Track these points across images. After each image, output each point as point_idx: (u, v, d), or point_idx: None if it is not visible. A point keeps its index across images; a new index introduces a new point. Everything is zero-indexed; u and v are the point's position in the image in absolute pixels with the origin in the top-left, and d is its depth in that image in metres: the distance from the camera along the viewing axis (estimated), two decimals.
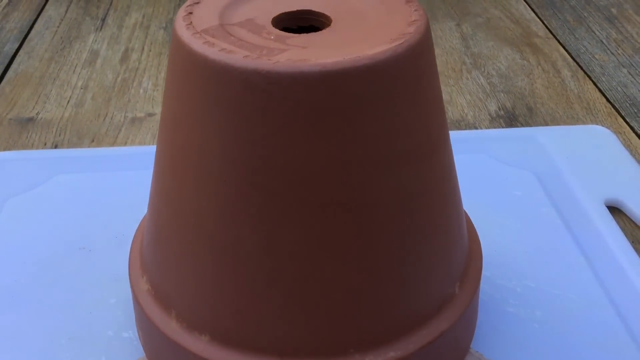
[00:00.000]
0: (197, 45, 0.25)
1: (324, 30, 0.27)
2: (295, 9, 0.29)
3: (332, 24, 0.28)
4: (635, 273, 0.38)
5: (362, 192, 0.26)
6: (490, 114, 0.54)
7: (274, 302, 0.27)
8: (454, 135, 0.51)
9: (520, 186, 0.45)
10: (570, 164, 0.47)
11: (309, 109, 0.24)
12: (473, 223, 0.36)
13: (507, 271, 0.39)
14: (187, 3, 0.29)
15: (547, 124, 0.53)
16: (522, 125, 0.53)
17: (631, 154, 0.49)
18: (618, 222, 0.43)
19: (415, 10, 0.28)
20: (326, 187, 0.25)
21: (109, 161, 0.48)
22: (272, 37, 0.27)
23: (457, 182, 0.31)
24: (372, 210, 0.26)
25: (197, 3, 0.29)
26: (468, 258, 0.33)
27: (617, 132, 0.52)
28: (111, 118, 0.54)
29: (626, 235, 0.42)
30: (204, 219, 0.27)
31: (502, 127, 0.53)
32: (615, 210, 0.44)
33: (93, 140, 0.51)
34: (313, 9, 0.29)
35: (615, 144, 0.49)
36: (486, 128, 0.53)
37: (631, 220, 0.43)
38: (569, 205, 0.44)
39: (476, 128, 0.53)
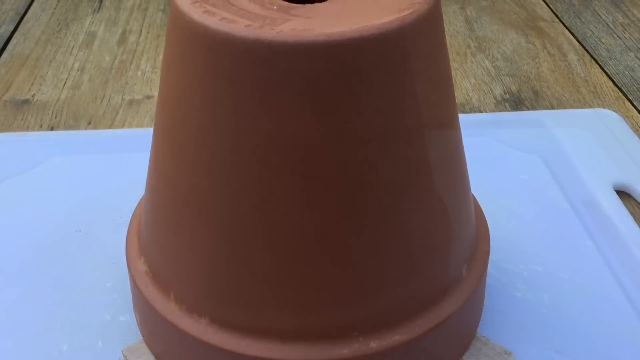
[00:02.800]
0: (197, 14, 0.24)
1: (327, 1, 0.26)
2: None
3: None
4: None
5: (368, 169, 0.25)
6: (495, 98, 0.53)
7: (276, 285, 0.26)
8: (460, 118, 0.49)
9: (527, 170, 0.44)
10: (578, 147, 0.46)
11: (314, 80, 0.23)
12: (480, 205, 0.35)
13: (514, 255, 0.38)
14: None
15: (553, 108, 0.52)
16: (528, 109, 0.52)
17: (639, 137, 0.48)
18: (627, 207, 0.42)
19: None
20: (331, 162, 0.24)
21: (105, 143, 0.47)
22: (275, 7, 0.26)
23: (465, 162, 0.30)
24: (378, 188, 0.25)
25: None
26: (475, 240, 0.32)
27: (625, 116, 0.51)
28: (108, 100, 0.53)
29: (635, 220, 0.41)
30: (203, 198, 0.26)
31: (507, 110, 0.51)
32: (624, 194, 0.43)
33: (90, 123, 0.50)
34: None
35: (624, 128, 0.48)
36: (492, 111, 0.51)
37: None
38: (577, 189, 0.43)
39: (481, 112, 0.52)
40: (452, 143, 0.27)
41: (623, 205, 0.41)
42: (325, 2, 0.26)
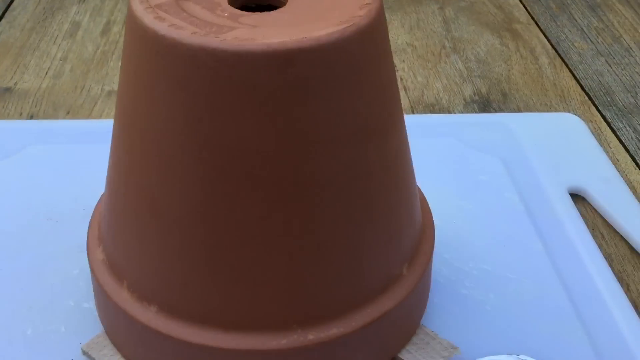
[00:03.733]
0: (148, 19, 0.26)
1: (277, 10, 0.28)
2: None
3: (287, 3, 0.28)
4: (591, 261, 0.39)
5: (306, 171, 0.26)
6: (464, 99, 0.55)
7: (217, 276, 0.28)
8: (426, 119, 0.51)
9: (486, 171, 0.46)
10: (538, 150, 0.48)
11: (253, 87, 0.25)
12: (437, 205, 0.37)
13: (465, 254, 0.39)
14: None
15: (519, 111, 0.53)
16: (495, 111, 0.53)
17: (600, 143, 0.49)
18: (581, 210, 0.44)
19: None
20: (270, 164, 0.26)
21: (82, 134, 0.48)
22: (226, 14, 0.27)
23: (411, 165, 0.32)
24: (316, 189, 0.27)
25: None
26: (419, 240, 0.33)
27: (589, 121, 0.52)
28: (88, 91, 0.54)
29: (587, 224, 0.42)
30: (152, 193, 0.27)
31: (475, 111, 0.53)
32: (579, 198, 0.45)
33: (69, 112, 0.52)
34: None
35: (585, 133, 0.50)
36: (460, 112, 0.53)
37: (594, 208, 0.44)
38: (533, 191, 0.44)
39: (449, 112, 0.53)
40: (393, 147, 0.29)
41: (575, 209, 0.43)
42: (274, 11, 0.27)
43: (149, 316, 0.29)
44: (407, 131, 0.41)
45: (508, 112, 0.53)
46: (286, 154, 0.26)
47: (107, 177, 0.31)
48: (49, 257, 0.38)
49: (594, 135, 0.50)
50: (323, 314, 0.29)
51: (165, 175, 0.27)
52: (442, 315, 0.36)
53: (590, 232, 0.41)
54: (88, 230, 0.34)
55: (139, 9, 0.26)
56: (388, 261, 0.30)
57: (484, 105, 0.54)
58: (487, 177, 0.45)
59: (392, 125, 0.29)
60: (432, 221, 0.35)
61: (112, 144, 0.30)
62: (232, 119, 0.25)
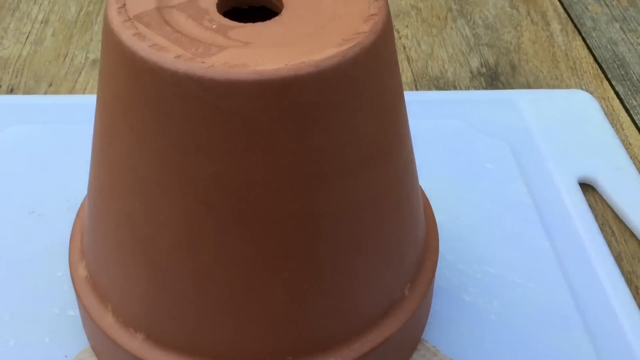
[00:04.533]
0: (127, 36, 0.23)
1: (271, 21, 0.25)
2: None
3: (283, 11, 0.25)
4: (601, 264, 0.37)
5: (300, 205, 0.24)
6: (471, 71, 0.52)
7: (206, 308, 0.26)
8: (430, 96, 0.48)
9: (493, 158, 0.43)
10: (548, 134, 0.45)
11: (244, 118, 0.22)
12: (440, 198, 0.35)
13: (469, 255, 0.38)
14: None
15: (529, 85, 0.50)
16: (503, 85, 0.50)
17: (612, 124, 0.47)
18: (590, 202, 0.42)
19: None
20: (263, 198, 0.24)
21: (66, 111, 0.46)
22: (214, 26, 0.24)
23: (415, 183, 0.29)
24: (311, 222, 0.24)
25: None
26: (422, 256, 0.31)
27: (601, 98, 0.49)
28: (71, 59, 0.51)
29: (596, 217, 0.41)
30: (136, 221, 0.25)
31: (482, 87, 0.50)
32: (589, 188, 0.43)
33: (51, 85, 0.49)
34: None
35: (597, 114, 0.47)
36: (466, 87, 0.50)
37: (603, 200, 0.42)
38: (541, 182, 0.42)
39: (455, 87, 0.50)
40: (397, 170, 0.27)
41: (585, 203, 0.40)
42: (267, 22, 0.25)
43: (135, 344, 0.27)
44: (410, 110, 0.39)
45: (517, 87, 0.50)
46: (280, 188, 0.23)
47: (88, 192, 0.29)
48: (31, 256, 0.36)
49: (606, 116, 0.47)
50: (319, 345, 0.27)
51: (148, 204, 0.25)
52: (444, 326, 0.34)
53: (600, 227, 0.39)
54: (70, 239, 0.32)
55: (116, 22, 0.23)
56: (389, 285, 0.29)
57: (492, 79, 0.51)
58: (494, 166, 0.43)
59: (398, 144, 0.26)
60: (436, 229, 0.33)
61: (92, 155, 0.28)
62: (221, 152, 0.23)
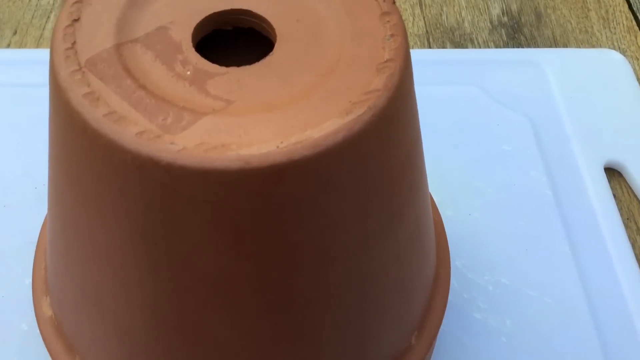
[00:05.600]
0: (76, 98, 0.18)
1: (261, 63, 0.20)
2: (229, 8, 0.21)
3: (276, 45, 0.20)
4: (624, 272, 0.34)
5: (288, 291, 0.20)
6: (491, 20, 0.46)
7: None
8: (443, 55, 0.43)
9: (511, 137, 0.39)
10: (573, 106, 0.40)
11: (226, 210, 0.18)
12: (451, 189, 0.31)
13: (481, 262, 0.34)
14: None
15: (554, 40, 0.45)
16: (526, 39, 0.45)
17: None
18: (616, 191, 0.38)
19: (392, 34, 0.20)
20: (247, 287, 0.20)
21: (34, 70, 0.40)
22: (189, 72, 0.19)
23: (430, 222, 0.25)
24: (302, 307, 0.21)
25: None
26: (432, 291, 0.28)
27: (634, 58, 0.44)
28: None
29: (621, 209, 0.37)
30: (103, 296, 0.21)
31: (503, 41, 0.45)
32: (615, 173, 0.38)
33: (16, 32, 0.43)
34: (254, 9, 0.21)
35: (629, 81, 0.42)
36: (484, 42, 0.45)
37: (630, 189, 0.38)
38: (564, 168, 0.38)
39: (472, 41, 0.45)
40: (407, 232, 0.22)
41: (612, 198, 0.36)
42: (256, 66, 0.20)
43: None
44: (419, 73, 0.34)
45: (541, 42, 0.45)
46: (265, 277, 0.19)
47: (48, 229, 0.25)
48: None
49: (639, 83, 0.42)
50: None
51: (114, 281, 0.21)
52: (451, 351, 0.31)
53: (624, 222, 0.36)
54: (34, 262, 0.28)
55: (64, 72, 0.18)
56: (394, 338, 0.25)
57: (514, 30, 0.45)
58: (512, 148, 0.38)
59: (412, 202, 0.22)
60: (448, 252, 0.29)
61: (48, 194, 0.24)
62: (197, 242, 0.19)
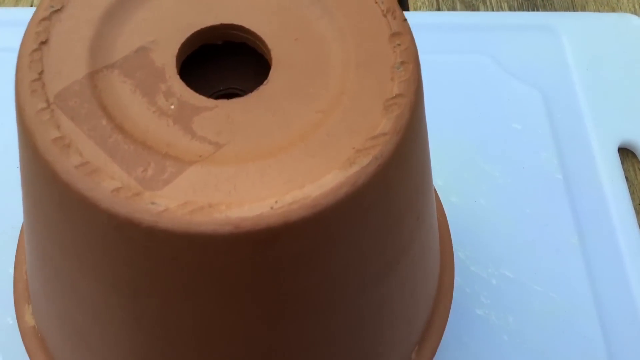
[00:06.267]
0: (44, 144, 0.16)
1: (254, 95, 0.17)
2: (218, 23, 0.18)
3: (271, 72, 0.18)
4: (633, 266, 0.32)
5: (278, 343, 0.19)
6: None
7: None
8: (454, 19, 0.40)
9: (522, 114, 0.37)
10: (589, 80, 0.38)
11: (213, 272, 0.16)
12: (456, 171, 0.30)
13: (485, 253, 0.33)
14: (41, 13, 0.18)
15: (572, 3, 0.42)
16: (542, 1, 0.42)
17: None
18: (628, 172, 0.36)
19: (402, 62, 0.18)
20: (232, 341, 0.18)
21: (13, 32, 0.37)
22: (173, 105, 0.17)
23: (434, 253, 0.24)
24: (293, 354, 0.19)
25: (58, 11, 0.18)
26: (434, 301, 0.26)
27: None
28: None
29: (633, 194, 0.35)
30: (86, 334, 0.20)
31: (518, 1, 0.41)
32: (629, 154, 0.37)
33: None
34: (246, 25, 0.19)
35: None
36: (497, 3, 0.41)
37: None
38: (577, 149, 0.36)
39: (484, 2, 0.42)
40: (412, 262, 0.21)
41: (625, 184, 0.35)
42: (249, 98, 0.17)
43: None
44: (428, 40, 0.32)
45: (558, 3, 0.42)
46: (253, 330, 0.18)
47: (25, 248, 0.23)
48: None
49: None
50: None
51: (93, 322, 0.19)
52: (451, 351, 0.30)
53: (635, 207, 0.34)
54: (15, 257, 0.27)
55: (30, 110, 0.16)
56: (394, 358, 0.24)
57: None
58: (522, 126, 0.36)
59: (417, 237, 0.20)
60: (452, 258, 0.28)
61: (24, 222, 0.22)
62: (180, 296, 0.17)
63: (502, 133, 0.36)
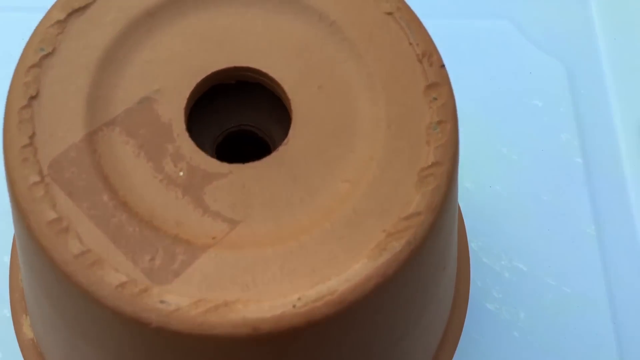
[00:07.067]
0: (40, 228, 0.14)
1: (271, 158, 0.16)
2: (232, 65, 0.16)
3: (290, 129, 0.16)
4: None
5: None
6: None
7: None
8: None
9: (544, 90, 0.34)
10: (616, 53, 0.36)
11: None
12: (470, 154, 0.29)
13: (499, 243, 0.31)
14: (30, 58, 0.16)
15: None
16: None
17: None
18: None
19: (440, 121, 0.16)
20: None
21: None
22: (182, 172, 0.15)
23: (452, 281, 0.22)
24: None
25: (49, 55, 0.16)
26: (449, 315, 0.25)
27: None
28: None
29: None
30: None
31: None
32: None
33: None
34: (263, 68, 0.16)
35: None
36: None
37: None
38: (599, 132, 0.34)
39: None
40: (430, 317, 0.20)
41: None
42: (266, 162, 0.16)
43: None
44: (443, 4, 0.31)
45: None
46: None
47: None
48: None
49: None
50: None
51: None
52: (459, 347, 0.30)
53: None
54: (10, 260, 0.26)
55: (21, 183, 0.14)
56: None
57: None
58: (543, 103, 0.34)
59: (440, 291, 0.19)
60: (469, 269, 0.27)
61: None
62: None
63: (522, 110, 0.34)
